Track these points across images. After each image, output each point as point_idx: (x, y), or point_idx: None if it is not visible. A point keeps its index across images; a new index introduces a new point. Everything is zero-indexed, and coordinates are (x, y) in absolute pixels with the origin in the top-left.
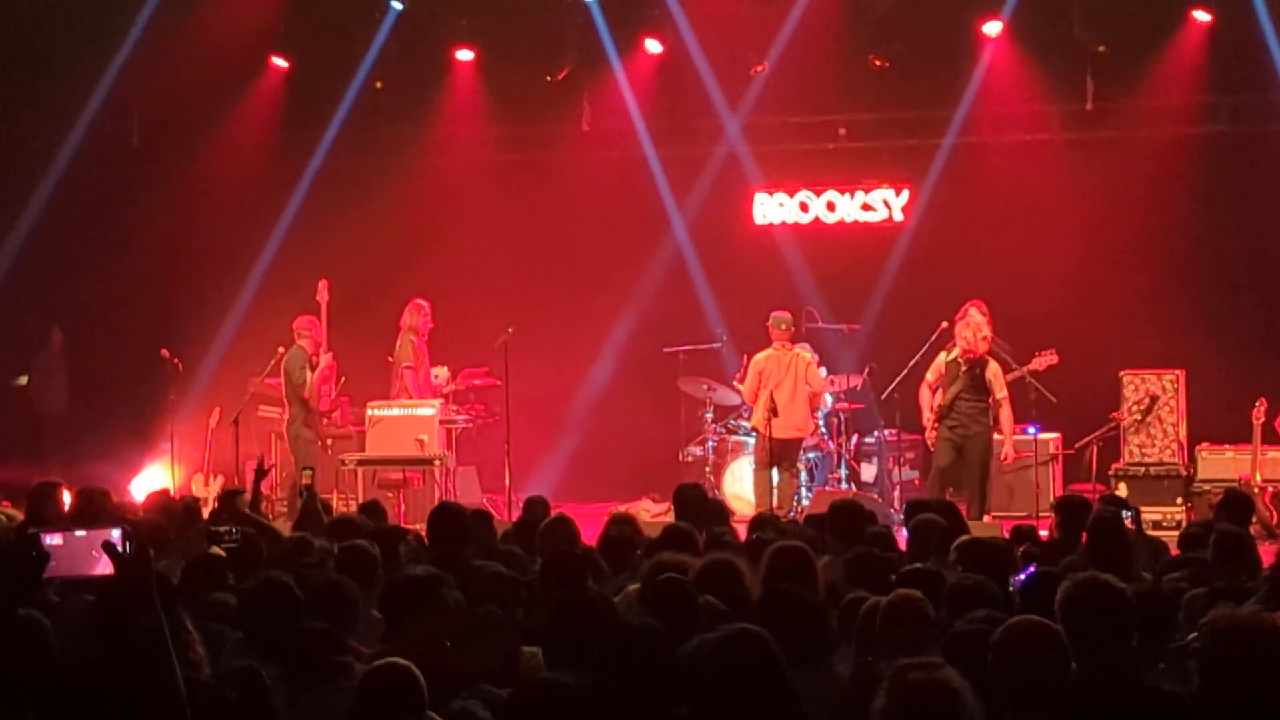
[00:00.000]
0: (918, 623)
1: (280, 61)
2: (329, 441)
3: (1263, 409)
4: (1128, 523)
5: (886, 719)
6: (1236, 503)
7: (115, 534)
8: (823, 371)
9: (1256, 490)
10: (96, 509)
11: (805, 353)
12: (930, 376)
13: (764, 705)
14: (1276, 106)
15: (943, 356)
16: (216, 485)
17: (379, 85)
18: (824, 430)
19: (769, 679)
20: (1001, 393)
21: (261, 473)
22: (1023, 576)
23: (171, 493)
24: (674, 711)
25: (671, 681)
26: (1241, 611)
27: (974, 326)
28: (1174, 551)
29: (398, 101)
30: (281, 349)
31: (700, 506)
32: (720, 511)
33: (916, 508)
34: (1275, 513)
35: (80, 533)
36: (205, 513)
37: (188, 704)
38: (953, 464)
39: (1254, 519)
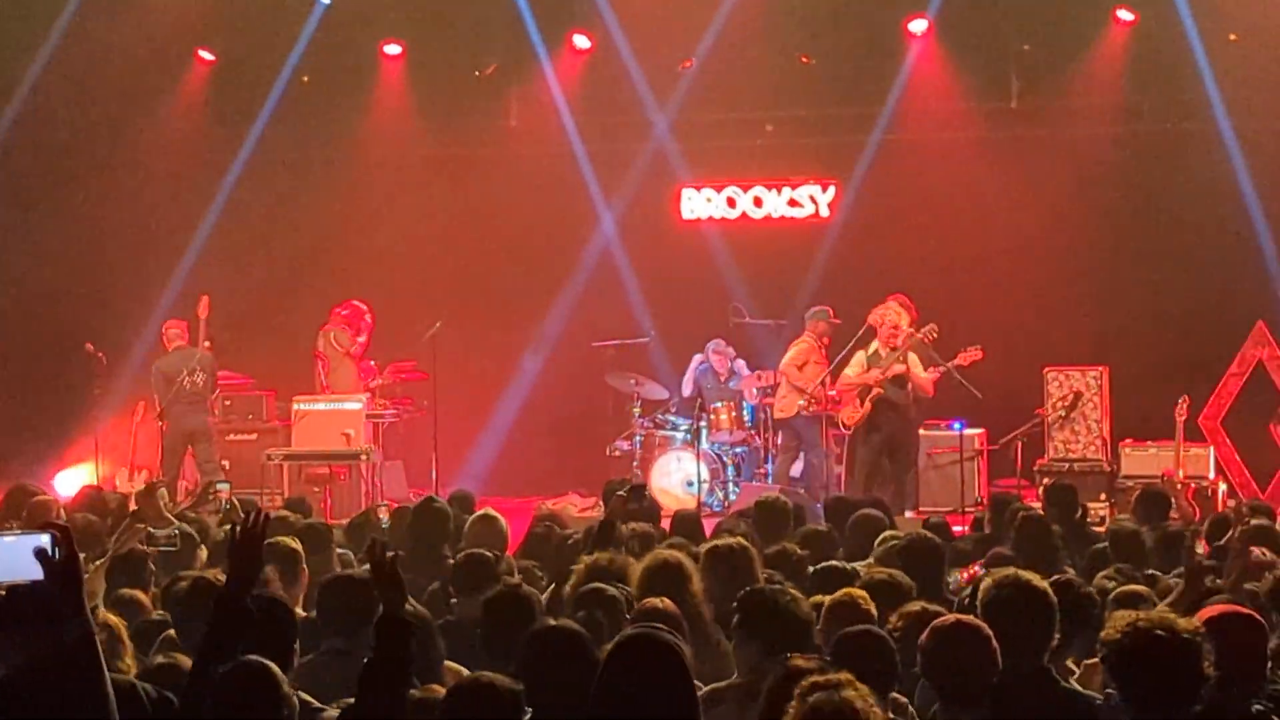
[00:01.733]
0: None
1: (207, 55)
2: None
3: (1185, 405)
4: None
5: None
6: (1152, 499)
7: (45, 540)
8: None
9: (1179, 486)
10: (25, 508)
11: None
12: (852, 374)
13: (661, 706)
14: (1198, 105)
15: (861, 355)
16: (141, 480)
17: (306, 79)
18: (751, 425)
19: (666, 680)
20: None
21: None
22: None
23: (99, 489)
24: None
25: (590, 680)
26: (1148, 614)
27: (888, 321)
28: None
29: (325, 95)
30: (208, 344)
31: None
32: (649, 507)
33: (841, 505)
34: (1198, 509)
35: (8, 539)
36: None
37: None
38: (878, 458)
39: (1175, 514)
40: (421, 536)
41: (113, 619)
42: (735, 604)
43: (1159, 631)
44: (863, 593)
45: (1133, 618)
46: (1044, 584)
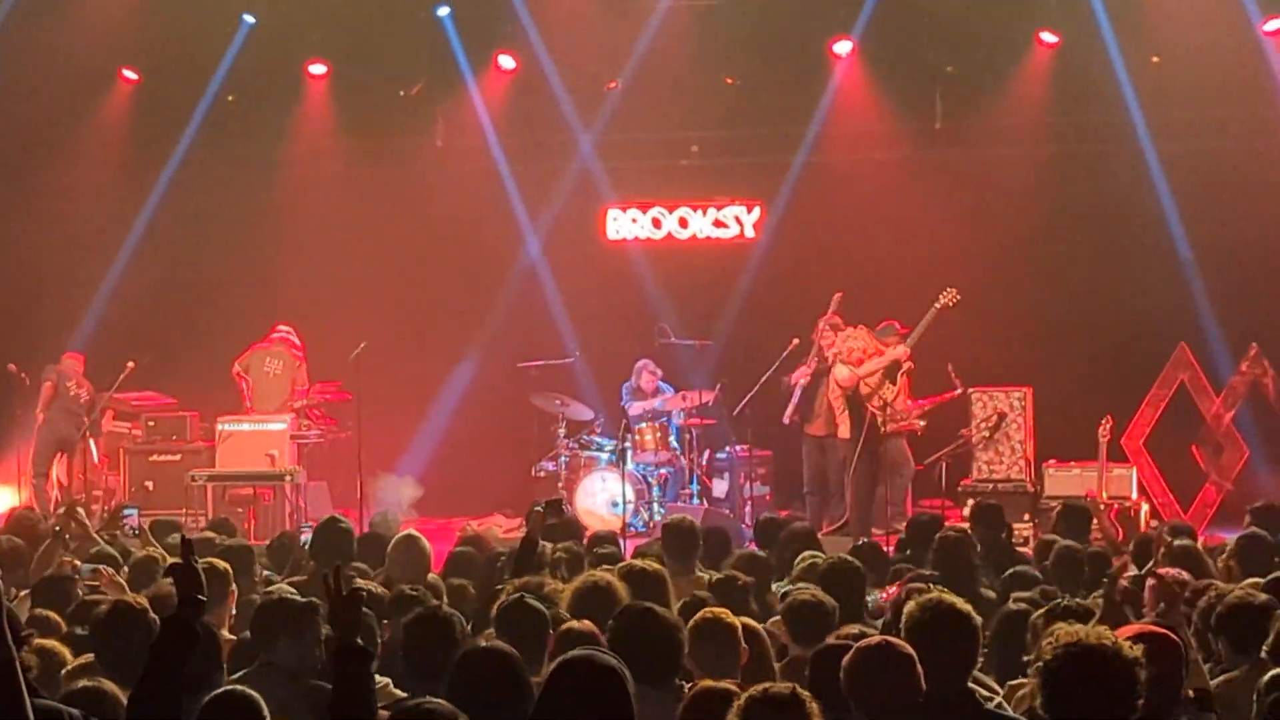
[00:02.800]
0: (726, 641)
1: (130, 74)
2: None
3: (1108, 426)
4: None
5: None
6: (1074, 515)
7: None
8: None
9: (1102, 507)
10: None
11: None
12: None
13: None
14: (1121, 126)
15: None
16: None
17: (231, 99)
18: (676, 446)
19: (608, 703)
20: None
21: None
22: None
23: (31, 509)
24: None
25: (523, 704)
26: (1082, 631)
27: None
28: None
29: (250, 115)
30: (131, 363)
31: (557, 523)
32: (574, 528)
33: (772, 525)
34: (1121, 529)
35: None
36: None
37: None
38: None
39: (1099, 533)
40: (324, 558)
41: (48, 645)
42: (609, 625)
43: (1101, 650)
44: (726, 610)
45: (1073, 635)
46: (967, 606)
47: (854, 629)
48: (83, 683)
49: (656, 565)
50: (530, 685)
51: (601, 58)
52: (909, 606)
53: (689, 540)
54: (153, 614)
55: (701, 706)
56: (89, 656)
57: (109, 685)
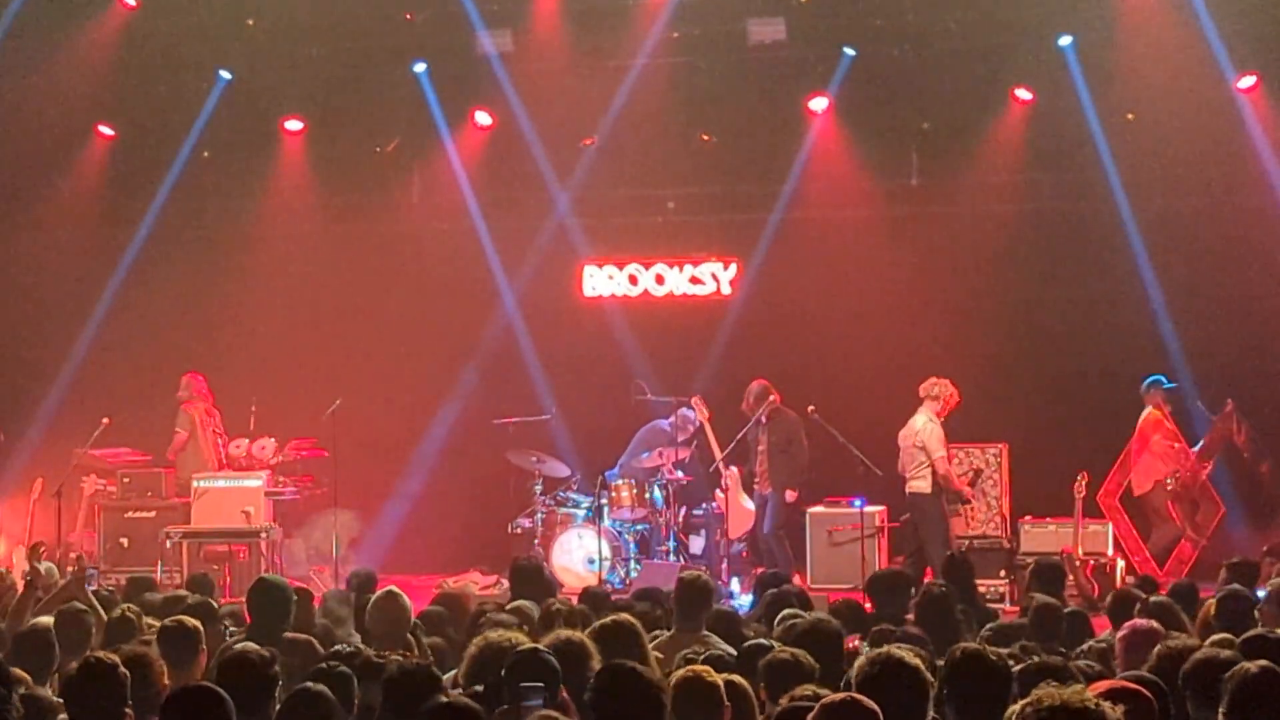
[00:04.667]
0: (709, 699)
1: (107, 130)
2: None
3: (1084, 483)
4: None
5: None
6: (1047, 572)
7: None
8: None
9: (1078, 563)
10: None
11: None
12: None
13: None
14: (1096, 183)
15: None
16: (38, 557)
17: (207, 154)
18: (659, 503)
19: None
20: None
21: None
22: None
23: None
24: None
25: None
26: (1062, 693)
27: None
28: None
29: (226, 171)
30: (106, 420)
31: (536, 581)
32: (551, 585)
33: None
34: (1097, 585)
35: None
36: (20, 585)
37: None
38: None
39: (1075, 590)
40: (260, 614)
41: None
42: (592, 679)
43: (1082, 710)
44: (707, 668)
45: (1054, 693)
46: (916, 660)
47: (809, 689)
48: None
49: (629, 617)
50: None
51: (578, 114)
52: (859, 661)
53: (701, 598)
54: (123, 670)
55: None
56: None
57: None
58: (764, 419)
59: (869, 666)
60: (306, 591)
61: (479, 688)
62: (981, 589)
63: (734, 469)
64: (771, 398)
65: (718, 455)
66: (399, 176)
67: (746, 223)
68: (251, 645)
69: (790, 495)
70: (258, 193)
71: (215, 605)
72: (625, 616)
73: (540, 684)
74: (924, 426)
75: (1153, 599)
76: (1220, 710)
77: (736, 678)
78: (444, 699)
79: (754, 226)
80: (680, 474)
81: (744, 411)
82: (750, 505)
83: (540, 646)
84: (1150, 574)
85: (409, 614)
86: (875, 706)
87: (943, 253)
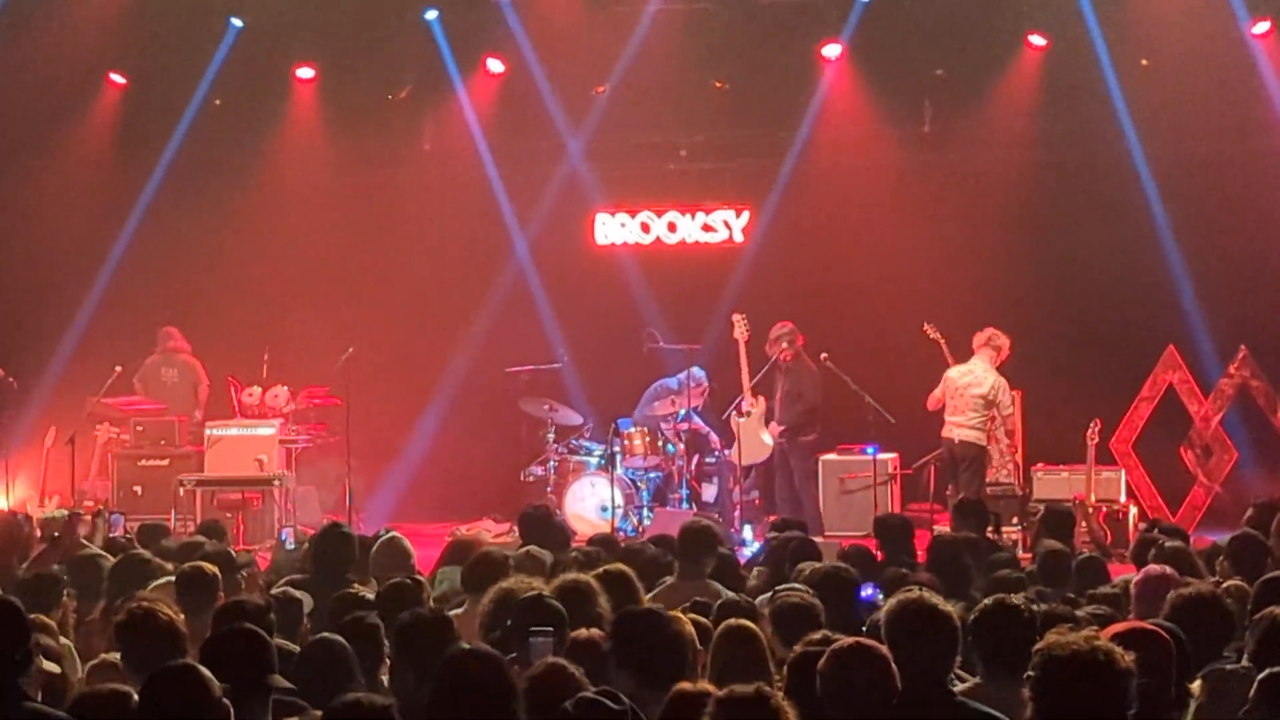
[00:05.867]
0: (751, 648)
1: (118, 78)
2: None
3: (1097, 430)
4: (989, 532)
5: None
6: (1056, 518)
7: None
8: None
9: (1090, 510)
10: None
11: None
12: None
13: None
14: (1110, 130)
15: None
16: (52, 505)
17: (218, 103)
18: (671, 449)
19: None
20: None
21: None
22: (864, 594)
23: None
24: None
25: (507, 704)
26: (1074, 638)
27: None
28: None
29: (237, 119)
30: (119, 368)
31: (545, 528)
32: (564, 533)
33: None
34: (1109, 532)
35: None
36: (40, 535)
37: None
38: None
39: (1087, 537)
40: (324, 563)
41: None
42: (611, 628)
43: (1092, 658)
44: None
45: (1064, 641)
46: (947, 606)
47: (818, 635)
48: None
49: (622, 567)
50: (515, 687)
51: (590, 62)
52: (889, 605)
53: (704, 546)
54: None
55: (679, 708)
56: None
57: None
58: (782, 360)
59: (899, 611)
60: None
61: (496, 634)
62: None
63: (761, 399)
64: (785, 346)
65: (746, 382)
66: (410, 124)
67: (759, 170)
68: (249, 597)
69: (773, 429)
70: (269, 140)
71: (233, 553)
72: (619, 566)
73: (549, 628)
74: (999, 381)
75: (1168, 544)
76: (1246, 651)
77: (747, 623)
78: (463, 645)
79: (767, 174)
80: (696, 420)
81: (766, 353)
82: (769, 440)
83: (545, 592)
84: (1164, 518)
85: (411, 556)
86: (885, 651)
87: (955, 200)
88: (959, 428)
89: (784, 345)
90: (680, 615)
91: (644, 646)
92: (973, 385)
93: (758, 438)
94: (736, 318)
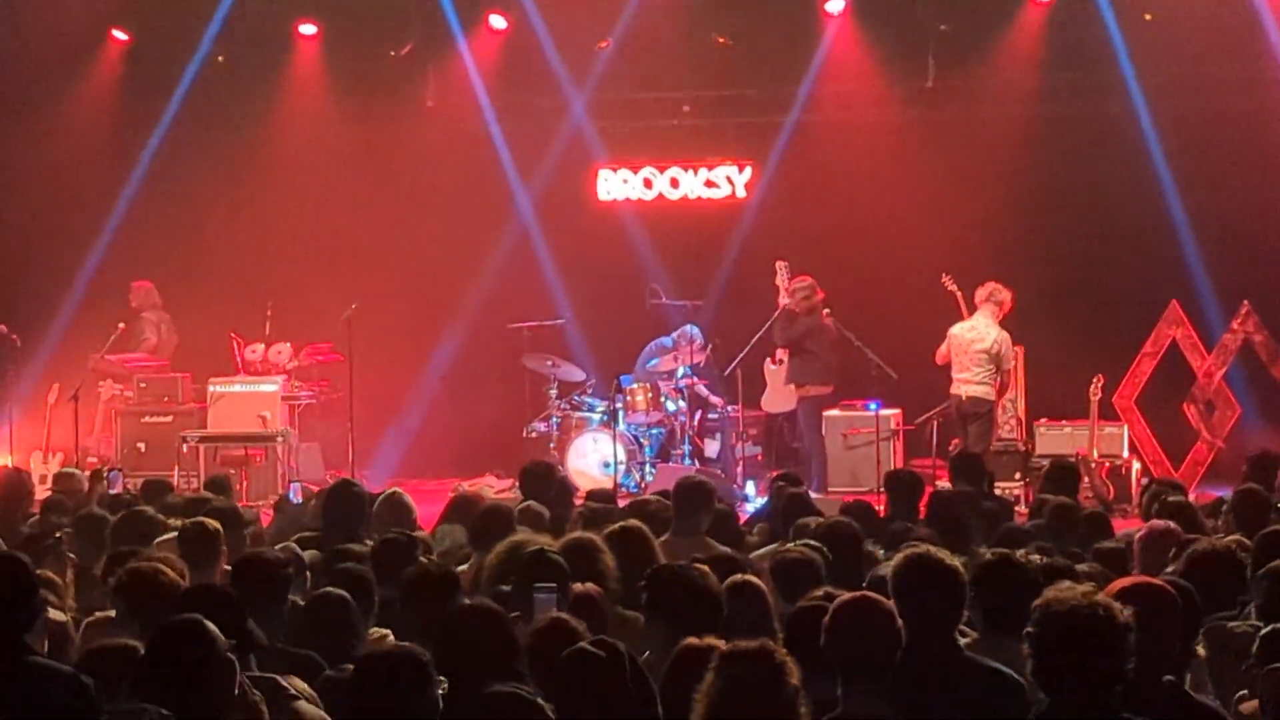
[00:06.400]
0: (754, 603)
1: (120, 34)
2: None
3: (1100, 385)
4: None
5: (712, 701)
6: (1059, 473)
7: None
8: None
9: (1093, 465)
10: None
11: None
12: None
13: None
14: (1114, 85)
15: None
16: (55, 462)
17: (221, 59)
18: (672, 406)
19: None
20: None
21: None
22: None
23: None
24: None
25: (510, 658)
26: (1072, 593)
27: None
28: None
29: (240, 76)
30: (122, 325)
31: (546, 483)
32: (567, 488)
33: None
34: (1112, 487)
35: None
36: (42, 490)
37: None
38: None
39: (1090, 492)
40: (335, 520)
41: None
42: (644, 581)
43: (1088, 614)
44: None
45: (1063, 596)
46: (954, 561)
47: (820, 591)
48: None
49: (638, 523)
50: (518, 642)
51: (593, 17)
52: (896, 560)
53: (699, 502)
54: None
55: (686, 663)
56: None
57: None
58: (793, 309)
59: (906, 565)
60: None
61: (505, 588)
62: (996, 491)
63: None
64: (800, 299)
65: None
66: (413, 81)
67: (762, 126)
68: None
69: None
70: (272, 97)
71: (239, 510)
72: (634, 522)
73: (553, 584)
74: (1002, 336)
75: (1171, 499)
76: (1253, 606)
77: (752, 578)
78: (467, 601)
79: (769, 129)
80: (693, 378)
81: (787, 307)
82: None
83: (547, 548)
84: (1166, 474)
85: (413, 512)
86: (888, 604)
87: (959, 156)
88: (966, 384)
89: (799, 297)
90: (707, 570)
91: (677, 600)
92: (976, 341)
93: (781, 387)
94: (779, 265)
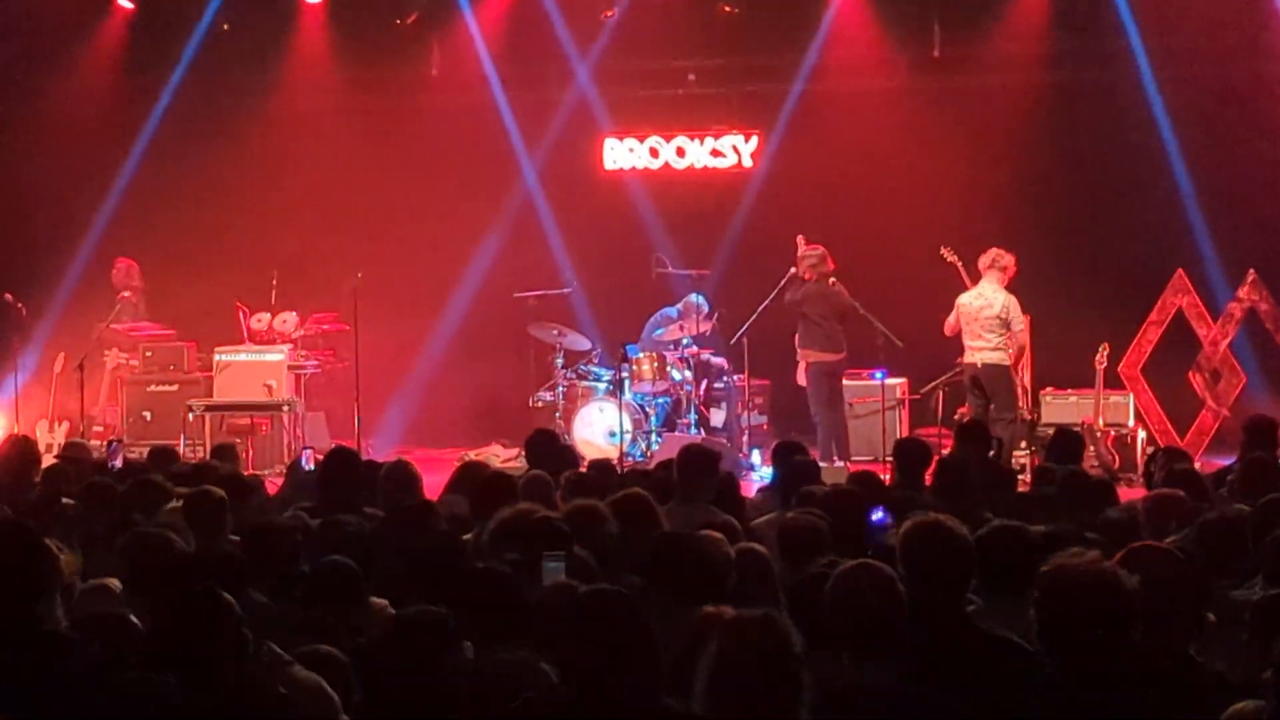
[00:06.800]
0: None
1: (125, 2)
2: None
3: (1105, 354)
4: (990, 456)
5: (715, 669)
6: (1064, 442)
7: None
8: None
9: (1099, 434)
10: None
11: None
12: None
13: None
14: (1121, 53)
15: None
16: (61, 431)
17: (226, 27)
18: (677, 375)
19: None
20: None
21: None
22: (874, 519)
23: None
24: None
25: (518, 620)
26: (1079, 560)
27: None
28: None
29: (244, 44)
30: (127, 293)
31: (552, 452)
32: (571, 457)
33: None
34: (1117, 456)
35: None
36: (48, 459)
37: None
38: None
39: (1096, 461)
40: (331, 488)
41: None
42: (650, 547)
43: (1097, 578)
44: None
45: (1070, 563)
46: (963, 529)
47: (825, 559)
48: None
49: (641, 491)
50: (528, 606)
51: None
52: (904, 526)
53: (704, 470)
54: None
55: (704, 630)
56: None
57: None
58: (803, 276)
59: (914, 533)
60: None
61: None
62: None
63: None
64: (809, 267)
65: None
66: (418, 49)
67: (768, 94)
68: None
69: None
70: (276, 66)
71: (245, 478)
72: (637, 490)
73: (561, 552)
74: (1009, 299)
75: (1178, 468)
76: (1261, 573)
77: (756, 546)
78: (475, 566)
79: (775, 98)
80: (697, 348)
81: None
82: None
83: (551, 515)
84: (1173, 443)
85: (419, 480)
86: (889, 570)
87: (965, 124)
88: (979, 351)
89: (806, 265)
90: (720, 537)
91: (681, 566)
92: (985, 308)
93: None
94: (800, 240)
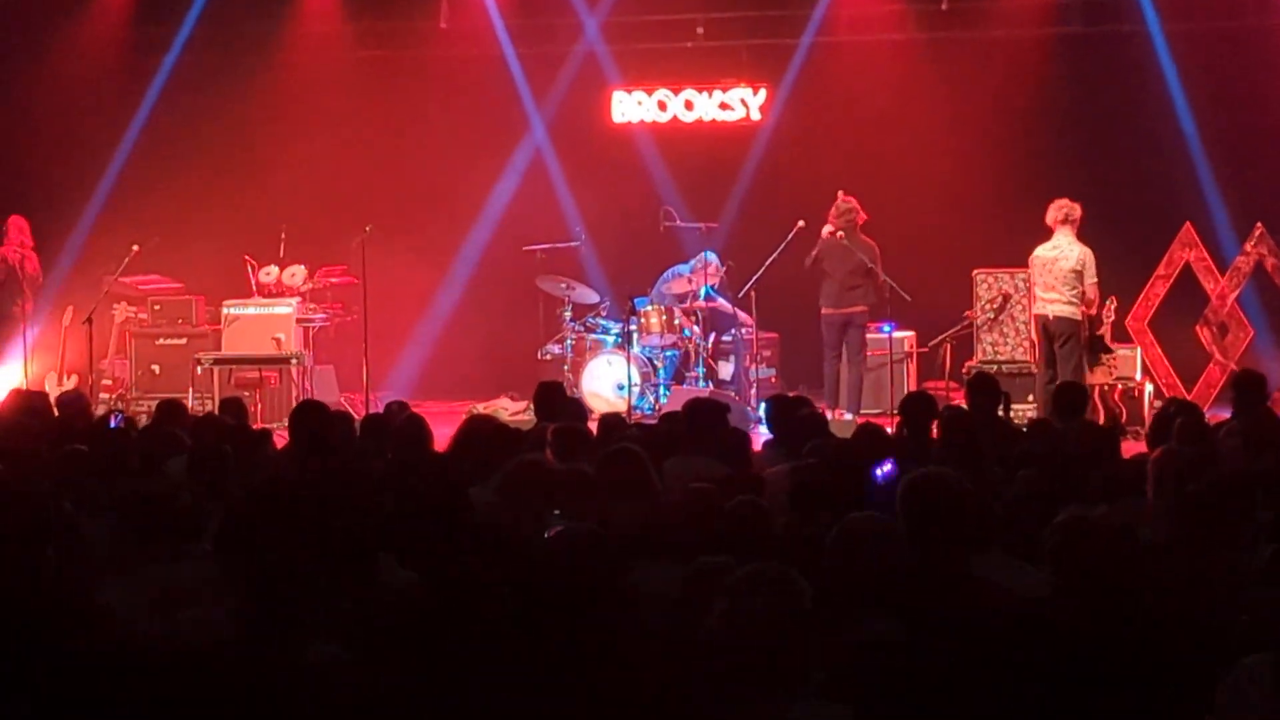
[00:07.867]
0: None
1: None
2: None
3: (1112, 307)
4: (999, 411)
5: (722, 623)
6: (1069, 395)
7: None
8: None
9: (1106, 388)
10: None
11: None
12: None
13: (593, 602)
14: (1129, 5)
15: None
16: (70, 385)
17: None
18: (686, 330)
19: (598, 577)
20: None
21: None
22: (880, 472)
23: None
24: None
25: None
26: (1091, 514)
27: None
28: None
29: None
30: (136, 247)
31: (560, 405)
32: (579, 410)
33: (782, 405)
34: (1124, 410)
35: None
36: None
37: None
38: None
39: (1102, 414)
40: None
41: None
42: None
43: (1110, 530)
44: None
45: (1080, 517)
46: (961, 480)
47: (831, 513)
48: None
49: (630, 445)
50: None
51: None
52: (905, 480)
53: (711, 422)
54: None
55: (701, 581)
56: None
57: None
58: (833, 233)
59: (914, 483)
60: (348, 415)
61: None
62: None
63: None
64: (799, 223)
65: None
66: (427, 3)
67: (776, 47)
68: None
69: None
70: (285, 18)
71: (254, 431)
72: (627, 445)
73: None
74: (1085, 252)
75: (1186, 421)
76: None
77: (757, 499)
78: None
79: (784, 51)
80: (717, 298)
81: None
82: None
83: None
84: (1180, 397)
85: (429, 433)
86: (894, 525)
87: (973, 77)
88: (1052, 303)
89: (834, 215)
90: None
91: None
92: (1061, 259)
93: None
94: (840, 193)
